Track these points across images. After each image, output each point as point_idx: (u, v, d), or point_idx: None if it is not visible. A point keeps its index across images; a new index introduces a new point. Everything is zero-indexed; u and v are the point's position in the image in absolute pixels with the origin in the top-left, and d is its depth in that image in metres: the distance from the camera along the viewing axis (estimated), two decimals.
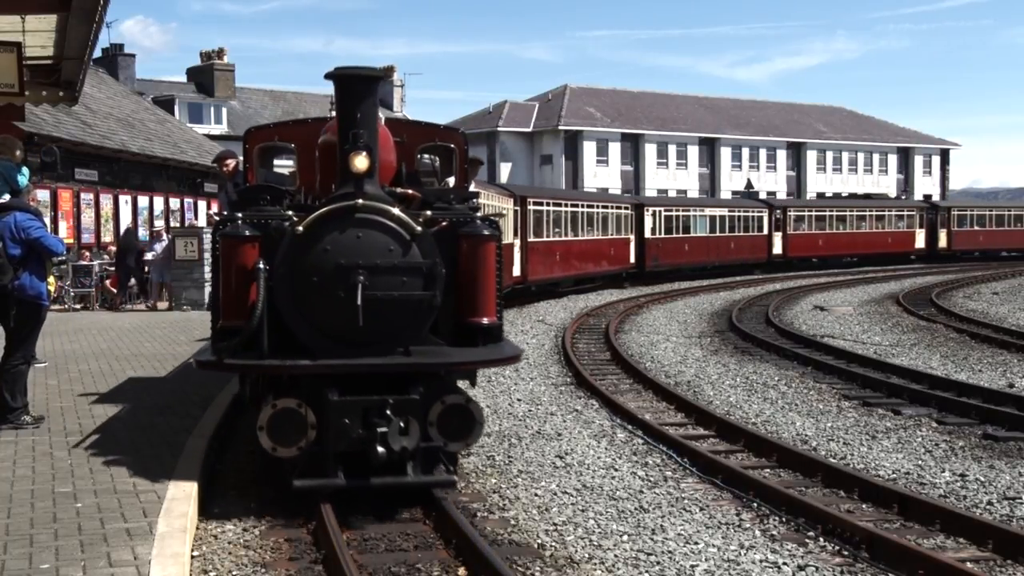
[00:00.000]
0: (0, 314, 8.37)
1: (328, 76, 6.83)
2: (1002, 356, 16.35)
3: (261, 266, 6.59)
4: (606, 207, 34.94)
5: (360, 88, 6.77)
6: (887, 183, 72.97)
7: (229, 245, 6.85)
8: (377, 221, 6.66)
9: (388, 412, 6.41)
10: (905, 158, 76.46)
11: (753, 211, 44.65)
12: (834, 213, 48.68)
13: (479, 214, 7.59)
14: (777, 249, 44.81)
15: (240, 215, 6.92)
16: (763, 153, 70.53)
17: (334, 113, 7.50)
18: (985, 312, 24.19)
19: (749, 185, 59.96)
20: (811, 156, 72.11)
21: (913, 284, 34.27)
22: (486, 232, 7.15)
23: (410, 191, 7.50)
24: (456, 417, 6.66)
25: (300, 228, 6.56)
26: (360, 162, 6.60)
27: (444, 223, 7.05)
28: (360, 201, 6.64)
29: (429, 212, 7.02)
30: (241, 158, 10.03)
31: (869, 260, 47.49)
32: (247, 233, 6.80)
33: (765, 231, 44.46)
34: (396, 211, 6.71)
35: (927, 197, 58.51)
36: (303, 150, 8.37)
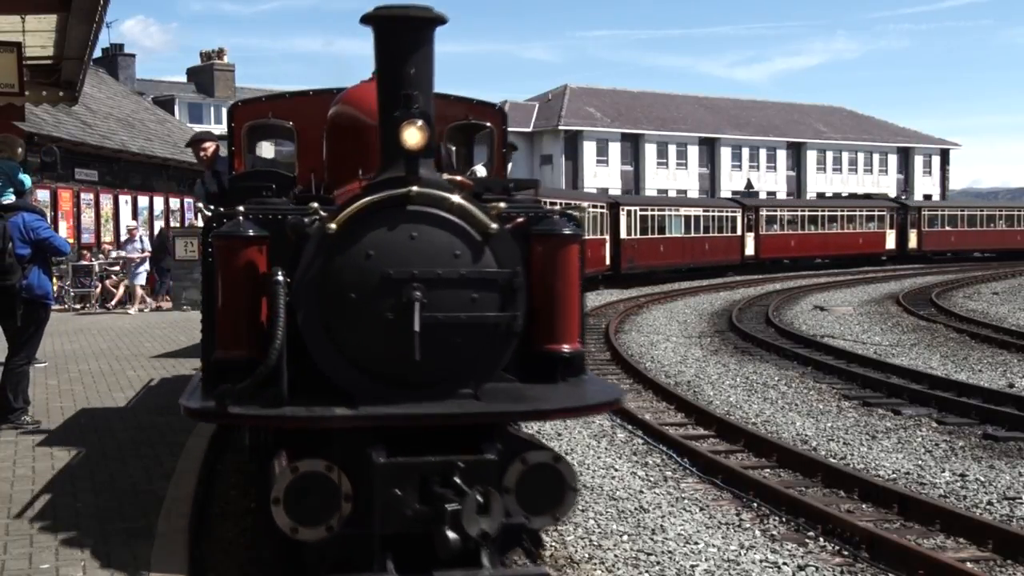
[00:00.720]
0: (5, 313, 8.39)
1: (365, 19, 4.99)
2: (1002, 356, 16.35)
3: (280, 277, 4.65)
4: (580, 205, 32.97)
5: (412, 34, 4.89)
6: (887, 183, 72.97)
7: (227, 249, 4.90)
8: (438, 216, 4.76)
9: (457, 479, 4.51)
10: (905, 158, 76.47)
11: (727, 211, 43.90)
12: (806, 213, 48.02)
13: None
14: (750, 250, 44.01)
15: (242, 208, 4.98)
16: (763, 153, 70.55)
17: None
18: (985, 312, 24.19)
19: (749, 185, 59.96)
20: (811, 156, 72.12)
21: (913, 284, 34.27)
22: (567, 231, 5.23)
23: (459, 178, 5.78)
24: (542, 482, 4.77)
25: (333, 225, 4.64)
26: (414, 135, 4.75)
27: (520, 219, 5.30)
28: (415, 188, 4.73)
29: (503, 204, 5.10)
30: (221, 142, 8.99)
31: (841, 262, 46.31)
32: (251, 233, 4.87)
33: (739, 231, 43.62)
34: (463, 201, 4.81)
35: (895, 198, 56.39)
36: (305, 129, 6.92)
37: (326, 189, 6.01)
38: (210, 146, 9.38)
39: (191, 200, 30.88)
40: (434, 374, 4.74)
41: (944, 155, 78.54)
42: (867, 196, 55.37)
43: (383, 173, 4.87)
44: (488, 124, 7.15)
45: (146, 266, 22.09)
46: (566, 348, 5.21)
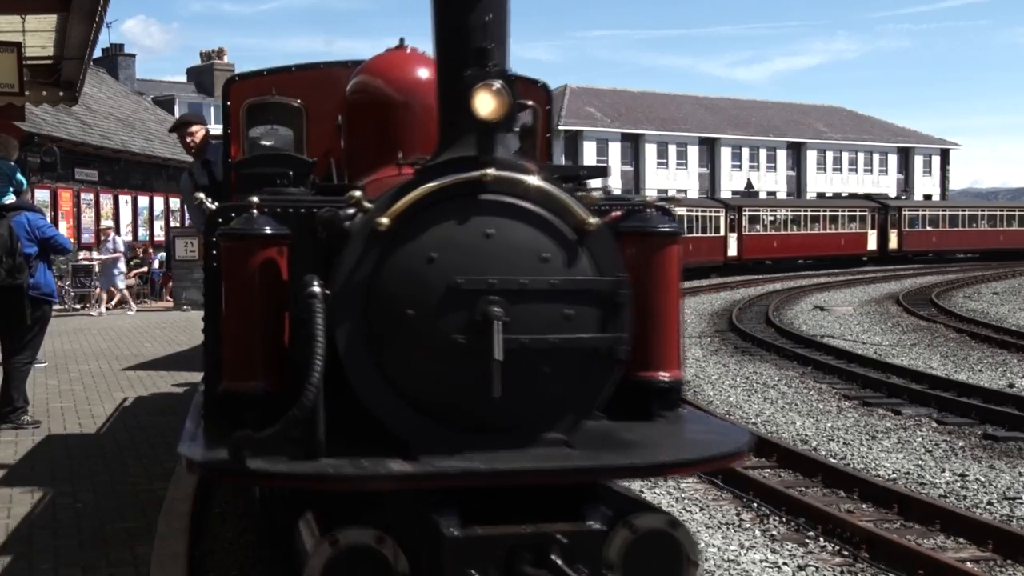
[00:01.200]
0: (11, 312, 8.43)
1: None
2: (1002, 356, 16.35)
3: (317, 288, 3.48)
4: None
5: None
6: (887, 183, 72.98)
7: (239, 251, 3.84)
8: (520, 208, 3.65)
9: (555, 558, 3.45)
10: (905, 158, 76.47)
11: (711, 211, 43.54)
12: (788, 214, 47.62)
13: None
14: (732, 251, 43.63)
15: (256, 199, 3.87)
16: (763, 153, 70.54)
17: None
18: (985, 312, 24.19)
19: (749, 185, 59.96)
20: (811, 156, 72.12)
21: (913, 284, 34.27)
22: (665, 227, 4.15)
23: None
24: (655, 554, 3.63)
25: (384, 220, 3.54)
26: (489, 101, 3.57)
27: (617, 212, 4.21)
28: (491, 172, 3.62)
29: (596, 192, 4.34)
30: (211, 126, 8.00)
31: (823, 263, 45.63)
32: (268, 230, 3.82)
33: (722, 232, 43.26)
34: (553, 188, 3.72)
35: (877, 197, 54.96)
36: (316, 108, 6.04)
37: (347, 178, 5.15)
38: (198, 130, 7.96)
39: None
40: (517, 415, 3.62)
41: (944, 155, 78.54)
42: (852, 196, 54.88)
43: (444, 153, 3.72)
44: (531, 103, 5.99)
45: (121, 267, 21.79)
46: (664, 376, 4.15)
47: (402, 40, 4.95)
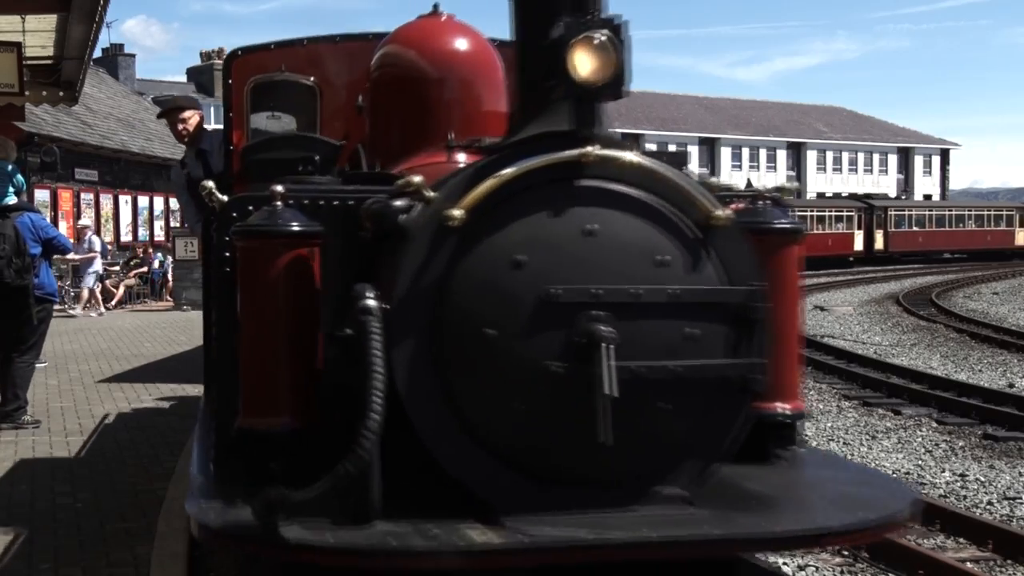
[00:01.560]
0: (18, 312, 8.44)
1: None
2: (1002, 356, 16.34)
3: (372, 302, 2.74)
4: None
5: None
6: (887, 183, 72.99)
7: (262, 253, 3.03)
8: (630, 197, 2.92)
9: None
10: (905, 158, 76.46)
11: None
12: None
13: None
14: None
15: (280, 189, 3.06)
16: (763, 153, 70.55)
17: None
18: (985, 312, 24.19)
19: (749, 185, 59.85)
20: (811, 156, 72.12)
21: (913, 284, 34.27)
22: (785, 224, 3.43)
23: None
24: None
25: (456, 212, 2.81)
26: (591, 59, 2.80)
27: (739, 204, 3.50)
28: (594, 150, 2.87)
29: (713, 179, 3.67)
30: (202, 112, 7.16)
31: (810, 264, 44.98)
32: (297, 228, 3.03)
33: None
34: (670, 173, 3.00)
35: (863, 197, 54.54)
36: (331, 86, 5.34)
37: (378, 166, 4.28)
38: (192, 116, 6.92)
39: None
40: (627, 465, 2.86)
41: (944, 155, 78.53)
42: (836, 196, 54.48)
43: (527, 127, 2.94)
44: None
45: (97, 267, 21.61)
46: (784, 408, 3.37)
47: (436, 6, 4.31)
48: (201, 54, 52.27)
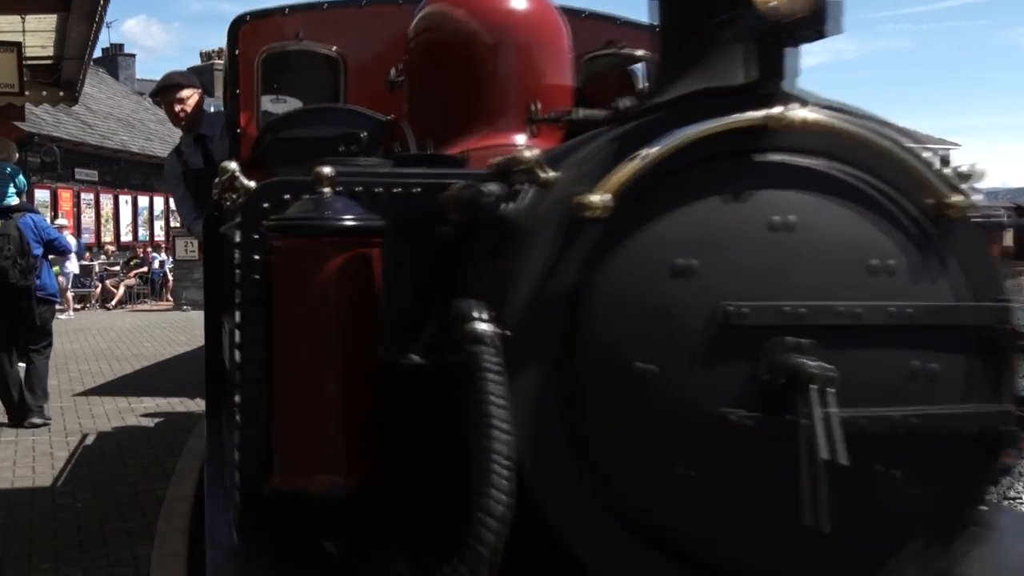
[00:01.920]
0: (22, 313, 8.46)
1: None
2: None
3: (485, 325, 1.88)
4: None
5: None
6: None
7: (308, 255, 2.22)
8: (834, 178, 2.05)
9: None
10: None
11: None
12: None
13: None
14: None
15: (328, 171, 2.27)
16: None
17: None
18: None
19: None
20: None
21: None
22: (999, 216, 2.53)
23: None
24: None
25: (595, 198, 1.93)
26: None
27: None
28: (784, 113, 1.99)
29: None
30: (202, 91, 6.25)
31: None
32: (353, 222, 2.23)
33: None
34: (892, 146, 2.09)
35: None
36: (358, 57, 4.50)
37: (429, 147, 3.43)
38: (191, 96, 6.07)
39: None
40: (845, 560, 2.01)
41: (944, 155, 78.64)
42: None
43: (674, 84, 2.15)
44: (642, 53, 4.45)
45: (69, 267, 21.50)
46: None
47: None
48: (201, 54, 52.16)
